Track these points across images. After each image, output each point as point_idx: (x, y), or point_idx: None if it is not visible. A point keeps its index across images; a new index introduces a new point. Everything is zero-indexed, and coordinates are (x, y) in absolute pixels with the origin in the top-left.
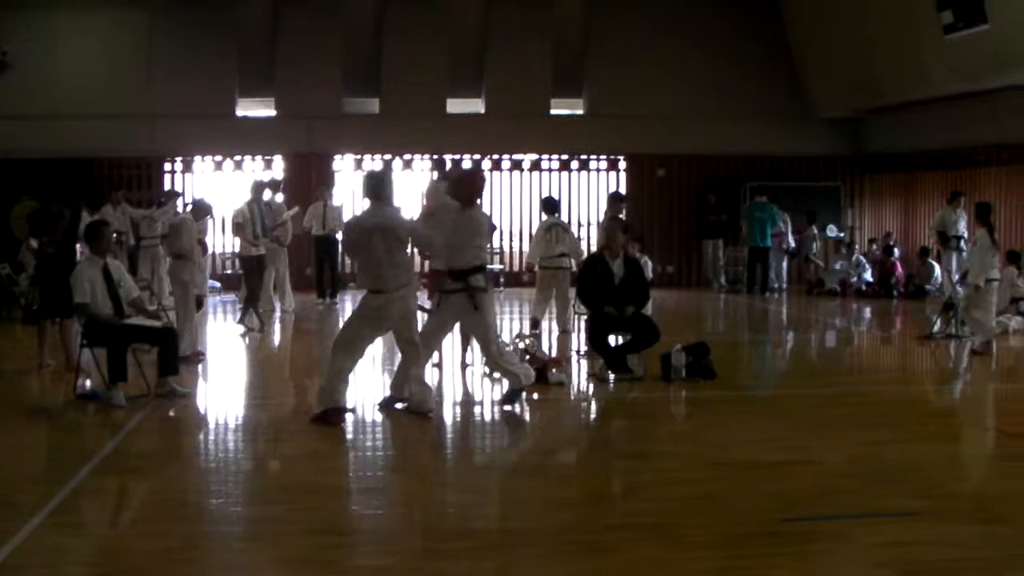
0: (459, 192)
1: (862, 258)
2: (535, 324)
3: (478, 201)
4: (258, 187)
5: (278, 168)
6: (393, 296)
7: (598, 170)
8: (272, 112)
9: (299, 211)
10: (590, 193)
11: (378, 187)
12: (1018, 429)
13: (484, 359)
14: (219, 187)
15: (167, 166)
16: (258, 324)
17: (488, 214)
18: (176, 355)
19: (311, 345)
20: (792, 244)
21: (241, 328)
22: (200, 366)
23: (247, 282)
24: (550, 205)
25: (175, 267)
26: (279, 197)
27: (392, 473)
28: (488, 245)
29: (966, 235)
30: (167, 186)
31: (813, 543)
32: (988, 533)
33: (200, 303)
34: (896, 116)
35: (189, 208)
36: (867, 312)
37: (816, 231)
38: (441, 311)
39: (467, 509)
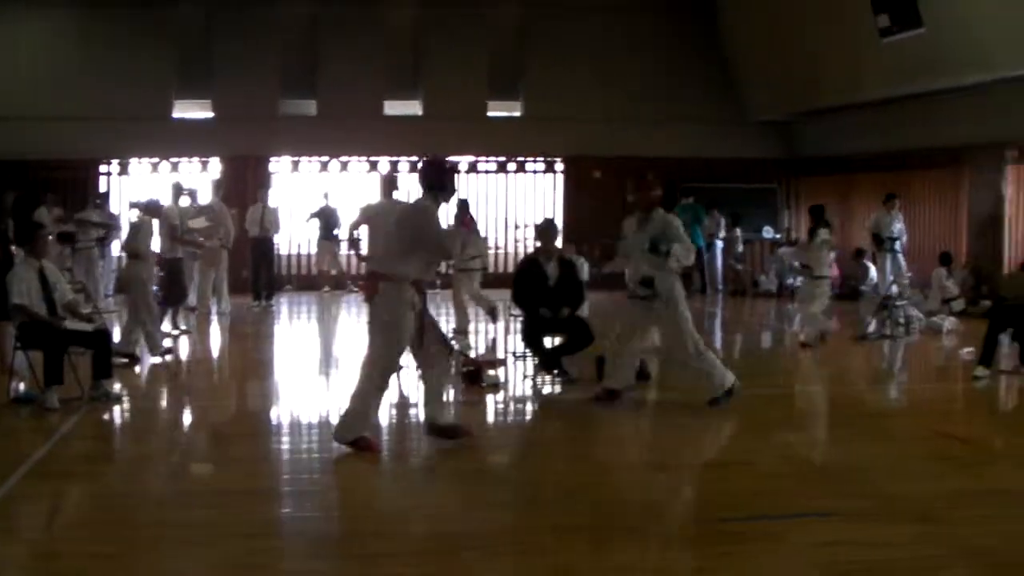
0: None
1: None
2: (463, 331)
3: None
4: (176, 190)
5: (215, 170)
6: None
7: (535, 172)
8: (209, 114)
9: (210, 223)
10: (527, 195)
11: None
12: (951, 429)
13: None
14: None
15: (103, 168)
16: (180, 326)
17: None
18: (110, 358)
19: (247, 348)
20: (740, 249)
21: (174, 330)
22: (136, 368)
23: (171, 285)
24: (463, 208)
25: (134, 268)
26: (202, 201)
27: (328, 476)
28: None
29: (903, 238)
30: (102, 188)
31: (748, 543)
32: (921, 532)
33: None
34: (832, 119)
35: (140, 209)
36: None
37: (740, 233)
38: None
39: (402, 513)
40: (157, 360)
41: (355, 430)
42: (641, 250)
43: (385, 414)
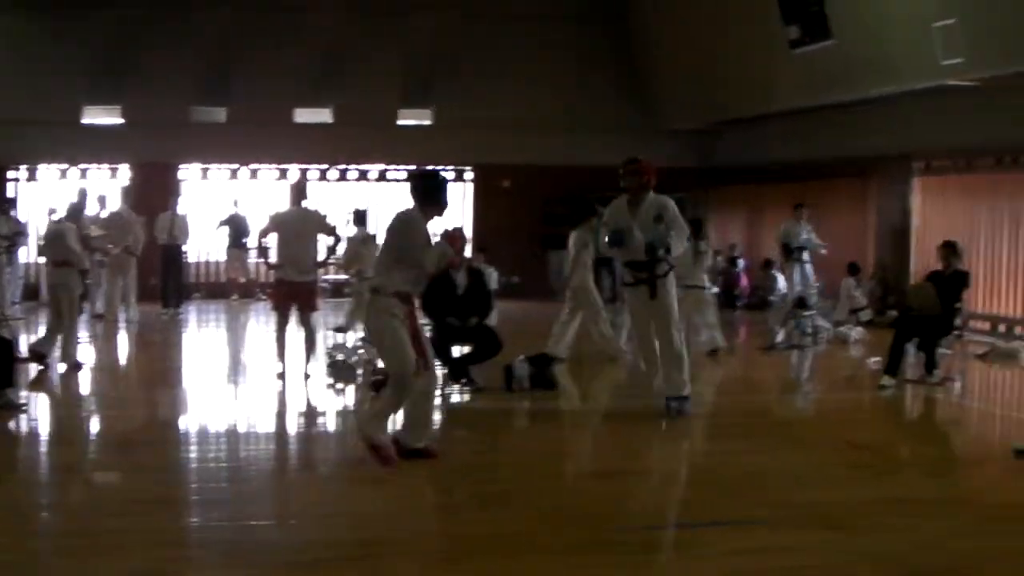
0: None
1: None
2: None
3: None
4: (81, 197)
5: (124, 177)
6: None
7: None
8: (119, 120)
9: (105, 231)
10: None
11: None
12: (859, 438)
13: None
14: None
15: (11, 174)
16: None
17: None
18: (12, 366)
19: (155, 356)
20: None
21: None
22: (41, 369)
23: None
24: (360, 217)
25: (62, 275)
26: (111, 208)
27: (236, 485)
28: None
29: (816, 246)
30: (10, 195)
31: (658, 552)
32: (829, 539)
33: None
34: (744, 129)
35: (63, 212)
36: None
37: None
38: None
39: (310, 520)
40: (63, 369)
41: (375, 430)
42: (637, 234)
43: (294, 422)
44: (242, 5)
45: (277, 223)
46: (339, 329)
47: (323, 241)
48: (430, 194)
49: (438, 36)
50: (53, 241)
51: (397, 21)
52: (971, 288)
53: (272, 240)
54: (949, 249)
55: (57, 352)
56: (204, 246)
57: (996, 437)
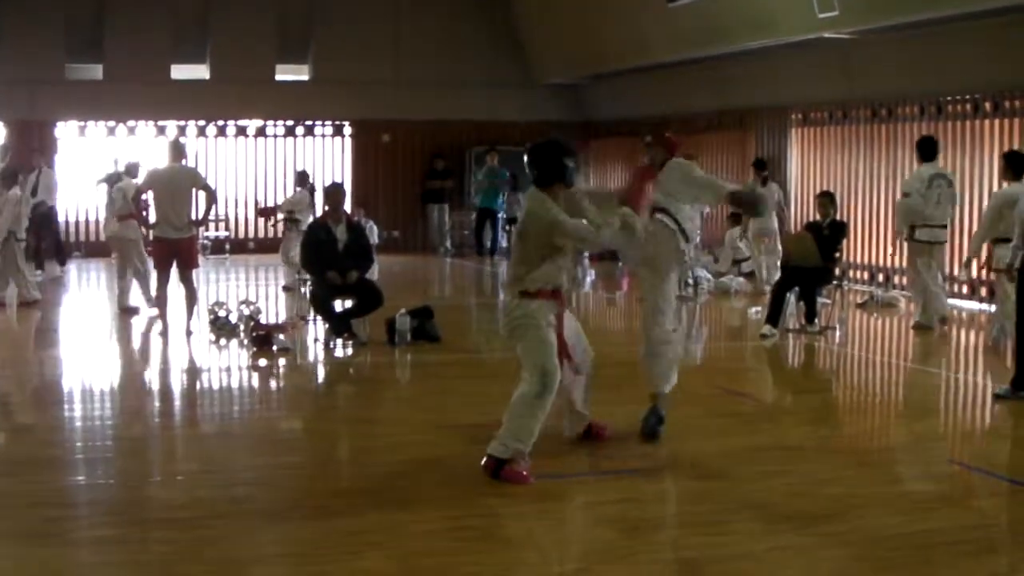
0: None
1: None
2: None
3: None
4: None
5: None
6: None
7: (323, 136)
8: None
9: None
10: (316, 159)
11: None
12: (737, 387)
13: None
14: None
15: None
16: None
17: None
18: None
19: (34, 317)
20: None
21: None
22: None
23: None
24: (303, 178)
25: None
26: None
27: (119, 443)
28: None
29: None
30: None
31: (538, 502)
32: (705, 488)
33: None
34: (620, 82)
35: None
36: (591, 275)
37: (521, 197)
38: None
39: (193, 477)
40: None
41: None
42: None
43: (177, 381)
44: None
45: (152, 181)
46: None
47: (200, 198)
48: (551, 166)
49: None
50: None
51: None
52: (849, 238)
53: (149, 198)
54: (827, 199)
55: None
56: (83, 205)
57: (875, 385)
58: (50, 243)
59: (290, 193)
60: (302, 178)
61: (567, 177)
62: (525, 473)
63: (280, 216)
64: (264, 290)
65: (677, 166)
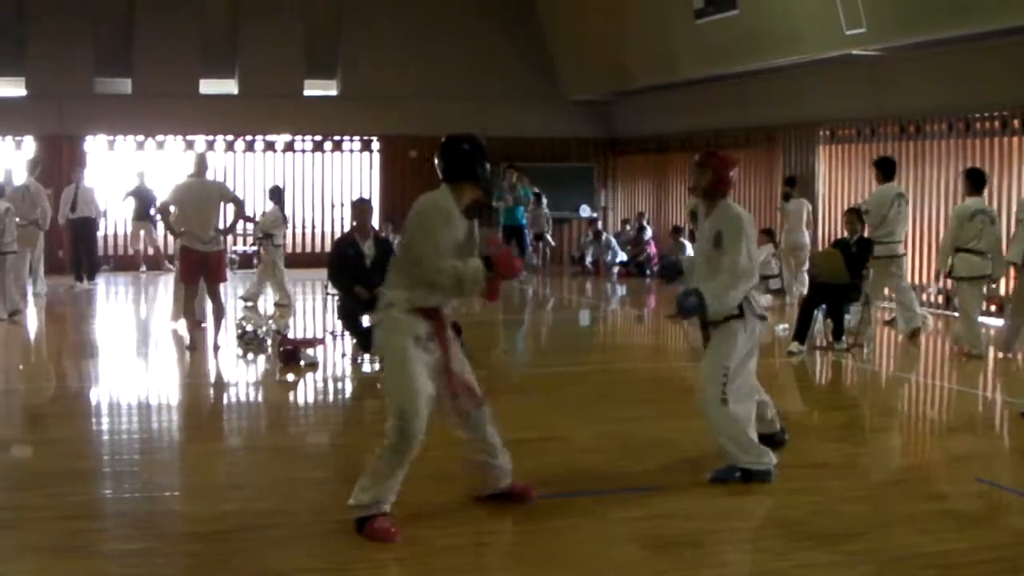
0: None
1: (612, 239)
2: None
3: None
4: None
5: (29, 149)
6: None
7: (351, 151)
8: (22, 92)
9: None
10: (344, 174)
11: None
12: None
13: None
14: None
15: None
16: None
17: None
18: None
19: (65, 328)
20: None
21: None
22: None
23: None
24: (276, 194)
25: None
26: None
27: (145, 457)
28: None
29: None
30: None
31: (562, 519)
32: (731, 505)
33: None
34: (648, 99)
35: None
36: (620, 291)
37: (547, 211)
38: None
39: (220, 491)
40: None
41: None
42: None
43: (204, 395)
44: None
45: (178, 194)
46: (245, 298)
47: (227, 210)
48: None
49: (343, 6)
50: None
51: None
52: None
53: (175, 210)
54: (854, 216)
55: None
56: (111, 218)
57: (901, 403)
58: (86, 256)
59: (296, 206)
60: (275, 194)
61: (478, 175)
62: (393, 530)
63: (259, 235)
64: (293, 305)
65: (732, 218)
